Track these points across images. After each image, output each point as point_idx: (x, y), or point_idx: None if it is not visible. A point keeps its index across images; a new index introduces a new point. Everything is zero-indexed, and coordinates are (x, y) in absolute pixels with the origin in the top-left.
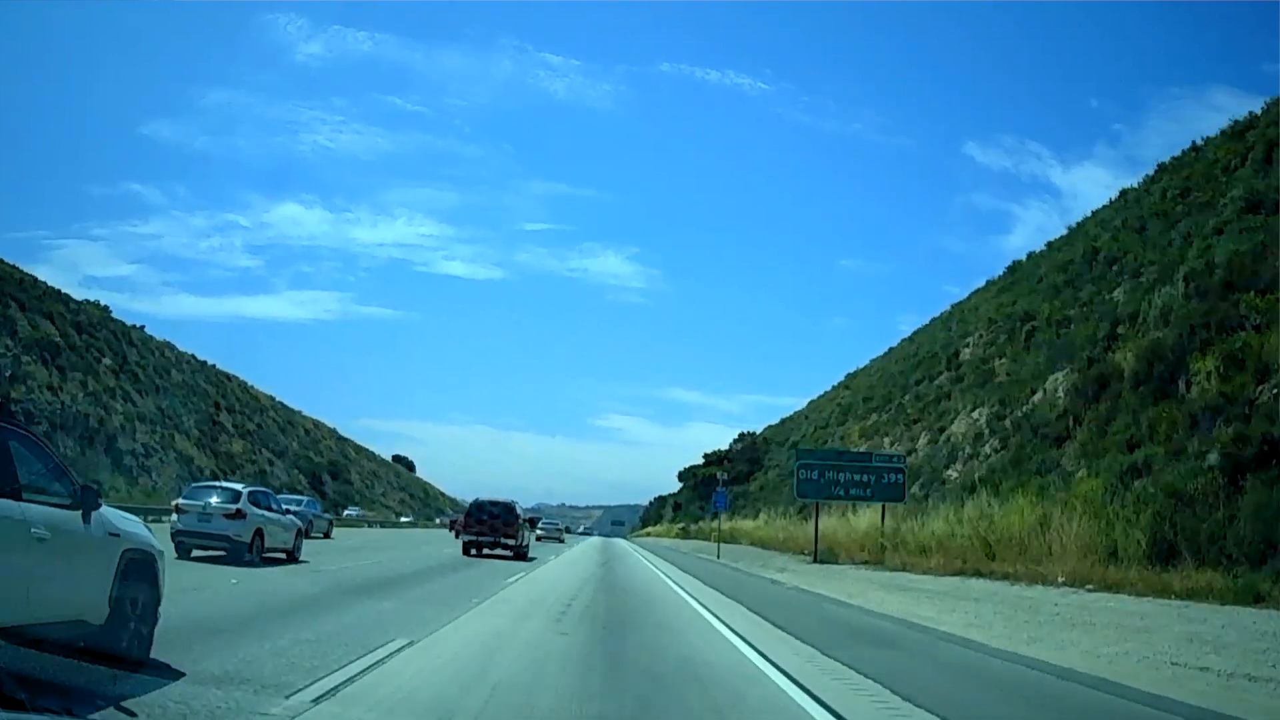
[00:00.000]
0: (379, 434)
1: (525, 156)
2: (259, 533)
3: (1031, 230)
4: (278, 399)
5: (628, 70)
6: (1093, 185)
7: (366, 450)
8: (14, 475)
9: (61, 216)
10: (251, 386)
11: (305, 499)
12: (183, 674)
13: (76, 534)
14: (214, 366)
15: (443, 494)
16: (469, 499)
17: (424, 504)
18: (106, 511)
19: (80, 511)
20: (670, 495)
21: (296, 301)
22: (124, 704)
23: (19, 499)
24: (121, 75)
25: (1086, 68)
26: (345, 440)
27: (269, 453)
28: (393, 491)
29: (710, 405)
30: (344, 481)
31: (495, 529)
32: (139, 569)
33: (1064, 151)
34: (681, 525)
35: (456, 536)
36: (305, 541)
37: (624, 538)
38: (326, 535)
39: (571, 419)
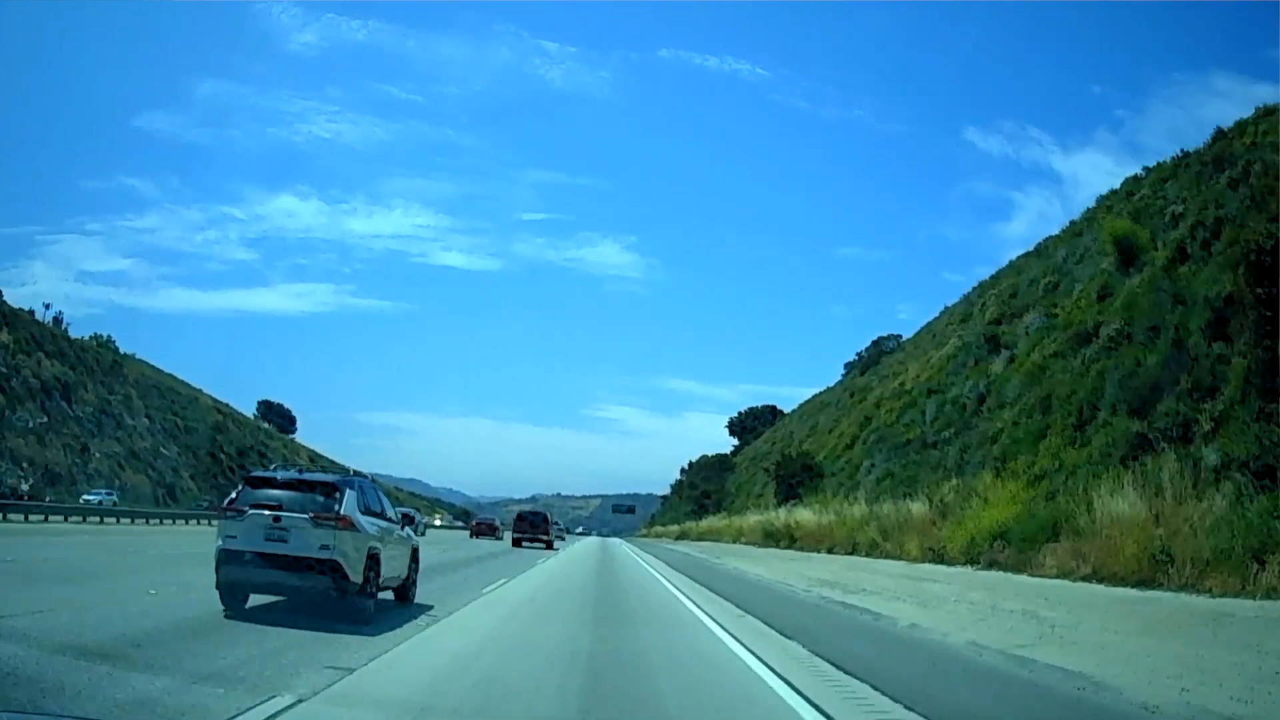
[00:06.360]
0: (375, 426)
1: (522, 145)
2: None
3: (1032, 217)
4: None
5: (625, 57)
6: (1094, 171)
7: (147, 364)
8: (381, 506)
9: (56, 212)
10: None
11: (415, 512)
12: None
13: (401, 537)
14: None
15: (329, 465)
16: (451, 491)
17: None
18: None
19: (399, 525)
20: (723, 454)
21: (292, 294)
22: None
23: (382, 518)
24: (114, 68)
25: (1088, 53)
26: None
27: None
28: (169, 440)
29: (707, 395)
30: None
31: (534, 528)
32: (415, 555)
33: (1065, 137)
34: None
35: (471, 535)
36: None
37: (624, 537)
38: (422, 534)
39: (568, 409)
